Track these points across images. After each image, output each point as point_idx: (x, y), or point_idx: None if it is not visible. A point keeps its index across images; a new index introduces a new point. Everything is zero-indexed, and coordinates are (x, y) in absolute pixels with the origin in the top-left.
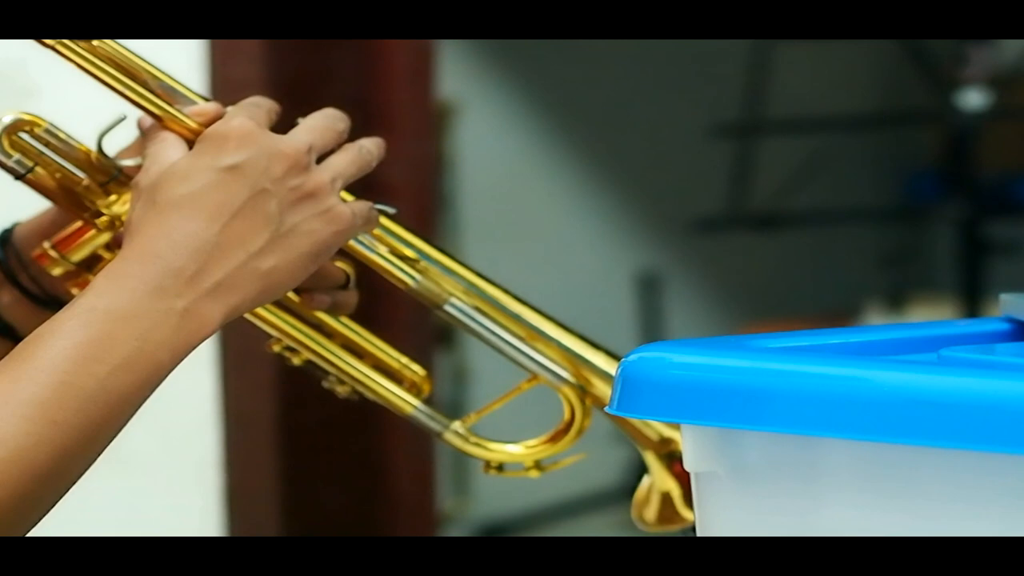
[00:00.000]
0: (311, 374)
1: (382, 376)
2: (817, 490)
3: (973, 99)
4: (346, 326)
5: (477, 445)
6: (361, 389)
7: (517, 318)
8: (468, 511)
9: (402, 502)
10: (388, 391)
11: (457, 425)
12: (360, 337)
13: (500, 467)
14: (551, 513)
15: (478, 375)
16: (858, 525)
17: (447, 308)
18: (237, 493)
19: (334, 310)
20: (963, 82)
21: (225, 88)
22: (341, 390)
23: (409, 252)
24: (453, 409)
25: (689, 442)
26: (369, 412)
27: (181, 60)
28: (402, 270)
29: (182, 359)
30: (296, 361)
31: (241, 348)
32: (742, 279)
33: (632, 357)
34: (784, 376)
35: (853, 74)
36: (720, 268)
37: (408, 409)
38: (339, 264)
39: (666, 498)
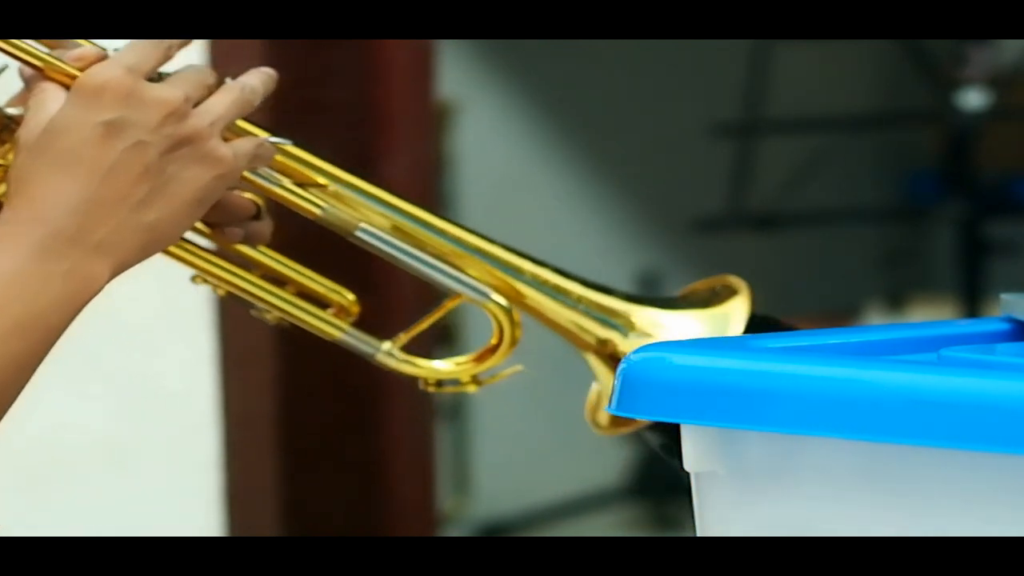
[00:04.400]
0: (240, 303)
1: (307, 303)
2: (817, 490)
3: (973, 99)
4: (267, 255)
5: (407, 363)
6: (286, 317)
7: (440, 236)
8: (468, 511)
9: (402, 502)
10: (314, 317)
11: (387, 346)
12: (282, 265)
13: (439, 384)
14: (551, 513)
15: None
16: (858, 525)
17: (359, 234)
18: (237, 493)
19: (249, 241)
20: (963, 82)
21: None
22: (269, 319)
23: (321, 179)
24: (453, 409)
25: (689, 442)
26: (369, 412)
27: (181, 60)
28: (307, 200)
29: (73, 319)
30: (220, 292)
31: (241, 348)
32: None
33: (632, 357)
34: (784, 376)
35: (853, 74)
36: (720, 268)
37: (337, 334)
38: (247, 196)
39: None
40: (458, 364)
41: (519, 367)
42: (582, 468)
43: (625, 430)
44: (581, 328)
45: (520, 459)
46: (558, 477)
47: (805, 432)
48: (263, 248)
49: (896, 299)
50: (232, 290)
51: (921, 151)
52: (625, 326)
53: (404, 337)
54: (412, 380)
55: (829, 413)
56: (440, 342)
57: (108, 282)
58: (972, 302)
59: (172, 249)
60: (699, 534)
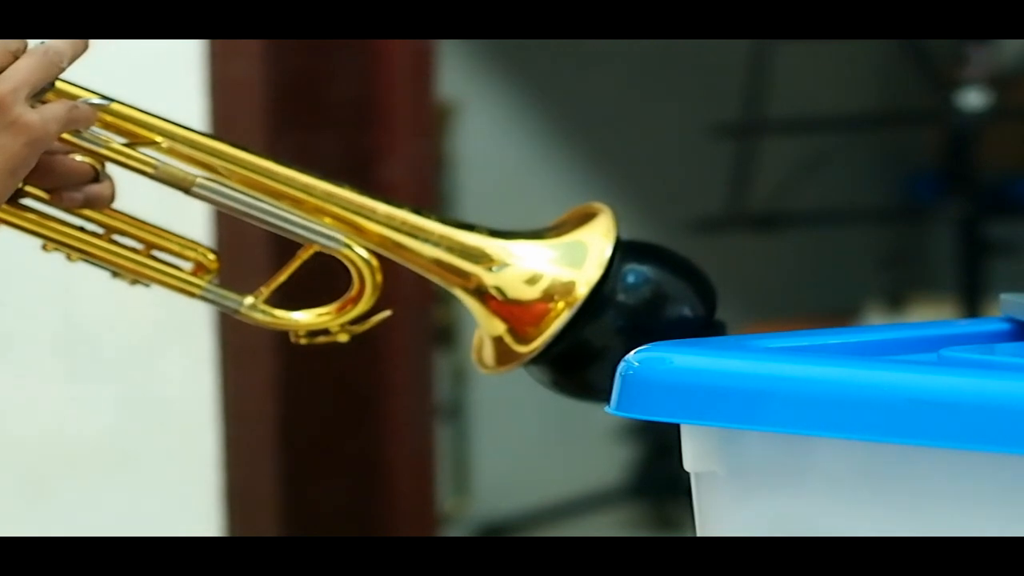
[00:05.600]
0: (96, 267)
1: (161, 263)
2: (817, 490)
3: (973, 99)
4: (114, 217)
5: (269, 316)
6: (141, 279)
7: (286, 185)
8: (468, 511)
9: (402, 502)
10: (170, 276)
11: (250, 300)
12: (133, 226)
13: (310, 334)
14: (551, 513)
15: (478, 375)
16: (857, 525)
17: (196, 190)
18: (236, 492)
19: (91, 205)
20: (963, 82)
21: (225, 88)
22: (127, 281)
23: (156, 137)
24: (453, 409)
25: (689, 442)
26: (369, 412)
27: (181, 60)
28: (137, 159)
29: None
30: (73, 259)
31: (241, 347)
32: (742, 279)
33: (632, 357)
34: (784, 376)
35: (853, 74)
36: (720, 268)
37: (196, 291)
38: (83, 159)
39: (498, 341)
40: (320, 315)
41: (388, 312)
42: (582, 468)
43: (507, 368)
44: (444, 266)
45: (520, 459)
46: (558, 477)
47: (805, 432)
48: (110, 211)
49: (896, 299)
50: (83, 256)
51: (921, 151)
52: (482, 259)
53: (265, 291)
54: (413, 380)
55: (829, 413)
56: (439, 342)
57: None
58: (972, 302)
59: (10, 219)
60: (699, 534)
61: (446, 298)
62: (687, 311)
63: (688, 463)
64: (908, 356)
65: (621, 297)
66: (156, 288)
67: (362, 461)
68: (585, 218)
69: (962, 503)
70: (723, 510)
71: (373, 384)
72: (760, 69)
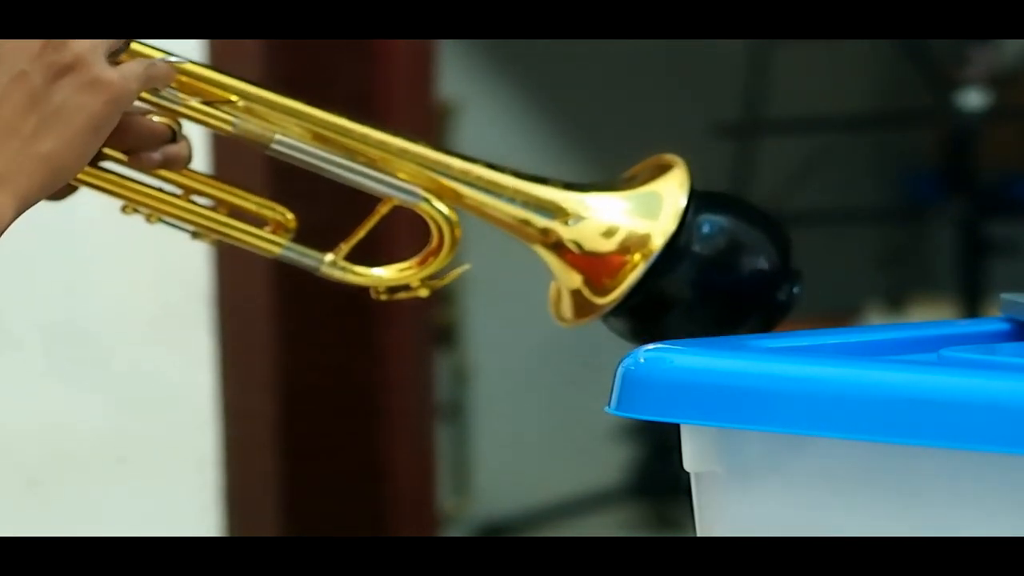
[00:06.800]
0: (174, 227)
1: (242, 222)
2: (817, 490)
3: (973, 99)
4: (192, 178)
5: (351, 272)
6: (223, 238)
7: (360, 141)
8: (468, 511)
9: (402, 502)
10: (251, 235)
11: (330, 258)
12: (211, 187)
13: (390, 290)
14: (551, 513)
15: (478, 375)
16: (857, 525)
17: (275, 146)
18: (236, 492)
19: (169, 166)
20: (963, 82)
21: None
22: (208, 241)
23: (231, 96)
24: (453, 409)
25: (689, 442)
26: (369, 412)
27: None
28: (217, 117)
29: None
30: (152, 220)
31: (241, 346)
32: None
33: (632, 357)
34: (784, 376)
35: (853, 74)
36: None
37: (276, 250)
38: (160, 120)
39: (576, 294)
40: (401, 270)
41: (467, 266)
42: (582, 468)
43: (586, 320)
44: (522, 221)
45: (520, 459)
46: (558, 477)
47: (805, 432)
48: (187, 171)
49: (896, 299)
50: (163, 216)
51: (921, 151)
52: (557, 213)
53: (345, 247)
54: (413, 380)
55: (829, 413)
56: (439, 342)
57: (14, 218)
58: (972, 302)
59: (92, 180)
60: (699, 534)
61: (446, 298)
62: (763, 260)
63: (688, 463)
64: (908, 356)
65: (697, 247)
66: (155, 285)
67: (362, 461)
68: (658, 170)
69: (962, 503)
70: (723, 510)
71: (373, 384)
72: (760, 69)
